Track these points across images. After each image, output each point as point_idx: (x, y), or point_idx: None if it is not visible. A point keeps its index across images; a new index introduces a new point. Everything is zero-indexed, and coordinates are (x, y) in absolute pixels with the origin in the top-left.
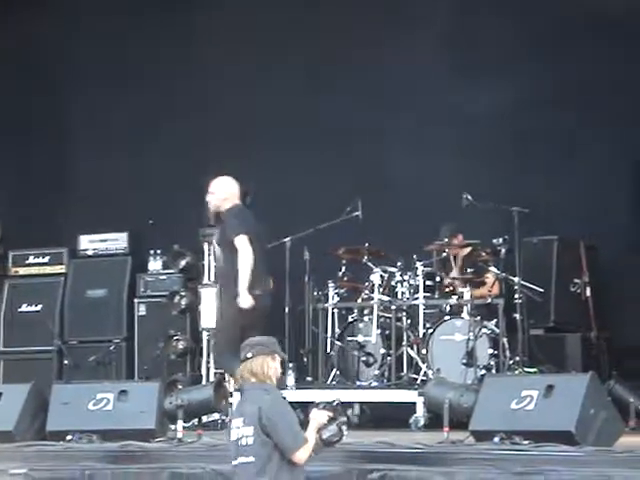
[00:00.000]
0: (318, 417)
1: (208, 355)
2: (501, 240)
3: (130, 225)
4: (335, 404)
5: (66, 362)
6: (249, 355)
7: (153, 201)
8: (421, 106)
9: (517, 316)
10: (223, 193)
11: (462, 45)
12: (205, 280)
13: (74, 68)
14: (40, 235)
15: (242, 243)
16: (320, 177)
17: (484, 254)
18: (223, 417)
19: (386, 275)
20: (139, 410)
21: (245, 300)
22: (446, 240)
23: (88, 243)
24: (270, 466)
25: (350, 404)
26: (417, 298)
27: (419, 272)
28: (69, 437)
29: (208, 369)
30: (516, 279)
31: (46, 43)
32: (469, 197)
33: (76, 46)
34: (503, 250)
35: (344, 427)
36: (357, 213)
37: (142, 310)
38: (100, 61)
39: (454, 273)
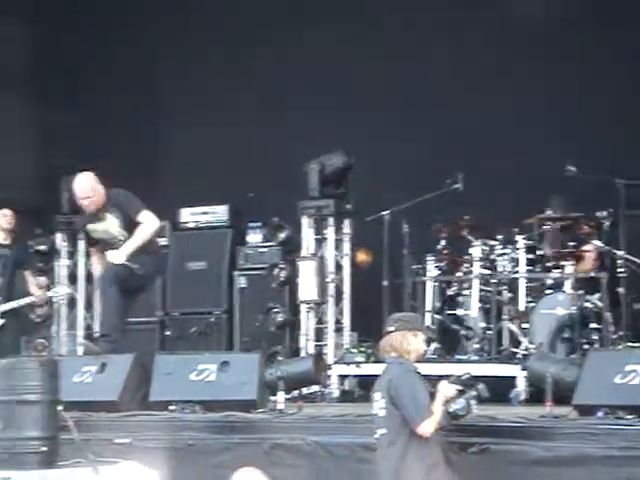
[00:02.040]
0: (446, 390)
1: (307, 328)
2: (605, 213)
3: (230, 198)
4: (465, 378)
5: (168, 333)
6: (391, 329)
7: (253, 174)
8: (519, 73)
9: (621, 290)
10: (100, 190)
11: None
12: (304, 253)
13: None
14: None
15: (149, 214)
16: (419, 149)
17: (587, 227)
18: (322, 389)
19: (486, 248)
20: (240, 381)
21: (120, 256)
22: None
23: (189, 216)
24: (401, 438)
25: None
26: (518, 271)
27: (520, 245)
28: (172, 407)
29: (307, 342)
30: (620, 252)
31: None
32: (573, 168)
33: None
34: (607, 223)
35: (473, 401)
36: (457, 185)
37: (242, 282)
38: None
39: (555, 246)
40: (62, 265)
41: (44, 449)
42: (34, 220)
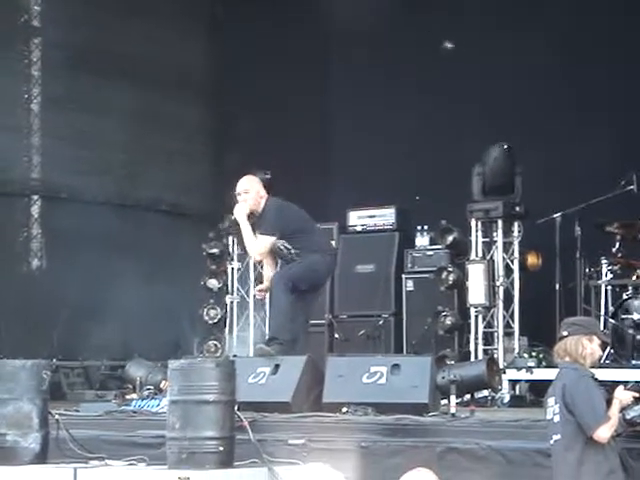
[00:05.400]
0: (622, 397)
1: (476, 332)
2: None
3: (397, 201)
4: None
5: (337, 336)
6: (565, 333)
7: (420, 176)
8: None
9: None
10: (257, 191)
11: None
12: (472, 256)
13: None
14: (310, 211)
15: (261, 242)
16: (592, 149)
17: None
18: (492, 394)
19: None
20: (412, 384)
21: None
22: None
23: (357, 219)
24: (577, 444)
25: None
26: None
27: None
28: (345, 409)
29: (477, 345)
30: None
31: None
32: None
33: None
34: None
35: None
36: (632, 187)
37: (410, 286)
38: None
39: None
40: (234, 268)
41: (221, 449)
42: (207, 224)
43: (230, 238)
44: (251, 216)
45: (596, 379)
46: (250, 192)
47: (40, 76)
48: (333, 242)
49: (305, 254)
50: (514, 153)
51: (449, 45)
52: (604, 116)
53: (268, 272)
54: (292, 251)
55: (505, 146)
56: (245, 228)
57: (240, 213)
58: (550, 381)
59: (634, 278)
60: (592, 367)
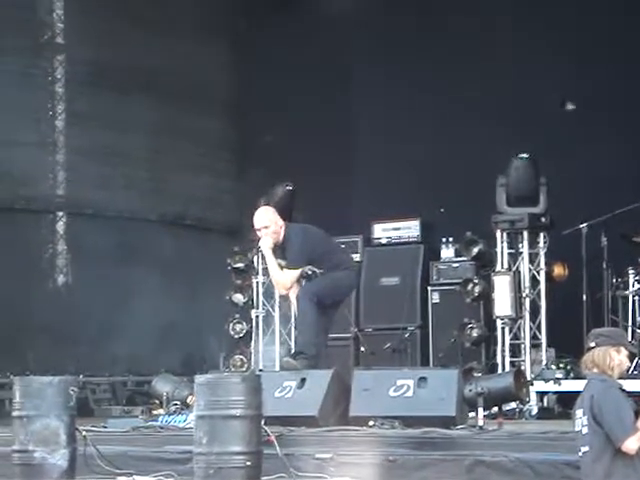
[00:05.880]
0: None
1: (503, 343)
2: None
3: (421, 213)
4: None
5: (362, 349)
6: (592, 344)
7: (444, 188)
8: None
9: None
10: (278, 222)
11: None
12: (498, 267)
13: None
14: (334, 224)
15: (289, 276)
16: (617, 159)
17: None
18: (520, 406)
19: None
20: (439, 397)
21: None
22: None
23: (381, 232)
24: (605, 456)
25: None
26: None
27: None
28: (371, 423)
29: (504, 357)
30: None
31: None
32: None
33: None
34: None
35: None
36: None
37: (435, 298)
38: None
39: None
40: (259, 282)
41: (249, 464)
42: (231, 238)
43: (255, 252)
44: (274, 248)
45: (624, 390)
46: (270, 226)
47: (64, 93)
48: (357, 255)
49: (329, 271)
50: (537, 163)
51: (571, 106)
52: (629, 128)
53: (294, 296)
54: (318, 273)
55: (526, 155)
56: (271, 262)
57: (265, 247)
58: (578, 392)
59: None
60: (620, 378)
